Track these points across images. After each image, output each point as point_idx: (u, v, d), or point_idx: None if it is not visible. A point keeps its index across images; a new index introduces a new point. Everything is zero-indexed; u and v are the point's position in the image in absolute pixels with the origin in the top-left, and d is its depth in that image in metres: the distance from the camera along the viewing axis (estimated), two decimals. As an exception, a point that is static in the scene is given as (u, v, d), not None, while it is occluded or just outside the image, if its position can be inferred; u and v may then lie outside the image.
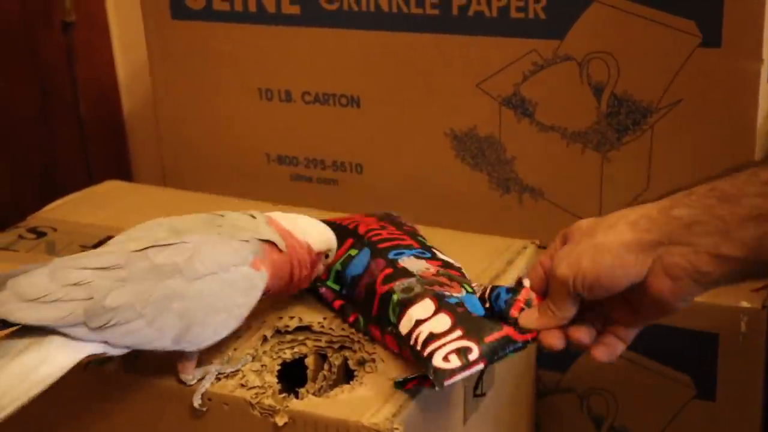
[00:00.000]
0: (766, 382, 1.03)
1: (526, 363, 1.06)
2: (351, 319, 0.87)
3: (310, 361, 0.85)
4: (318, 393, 0.81)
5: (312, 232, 0.86)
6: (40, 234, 1.08)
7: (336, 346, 0.85)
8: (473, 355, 0.74)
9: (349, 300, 0.88)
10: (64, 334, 0.73)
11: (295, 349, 0.85)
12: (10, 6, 1.45)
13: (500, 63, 1.08)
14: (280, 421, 0.77)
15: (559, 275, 0.73)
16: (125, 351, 0.77)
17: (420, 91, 1.14)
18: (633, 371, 1.07)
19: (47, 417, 0.86)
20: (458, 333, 0.76)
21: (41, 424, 0.87)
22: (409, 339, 0.78)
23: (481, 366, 0.74)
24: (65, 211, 1.15)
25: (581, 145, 1.07)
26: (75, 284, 0.74)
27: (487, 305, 0.80)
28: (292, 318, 0.88)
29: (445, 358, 0.74)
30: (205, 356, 0.82)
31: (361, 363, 0.83)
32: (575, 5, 1.03)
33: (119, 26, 1.59)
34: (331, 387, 0.82)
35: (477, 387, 0.89)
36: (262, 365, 0.82)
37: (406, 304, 0.80)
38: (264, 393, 0.79)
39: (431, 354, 0.75)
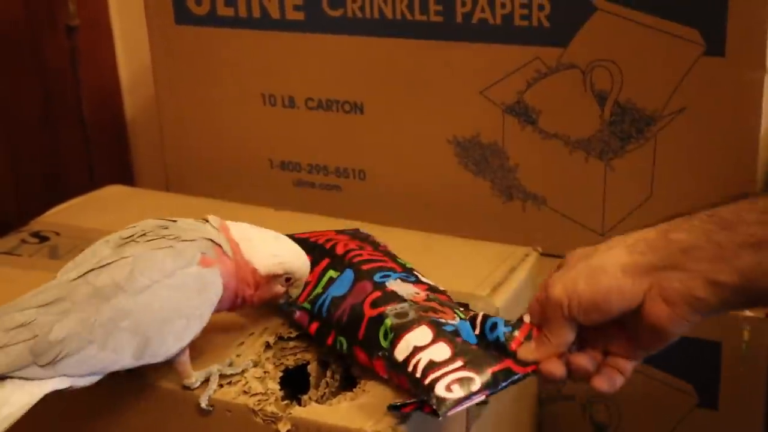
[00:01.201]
0: (769, 391, 1.03)
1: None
2: (329, 341, 0.83)
3: (312, 368, 0.85)
4: (320, 400, 0.81)
5: (261, 253, 0.81)
6: (43, 238, 1.08)
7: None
8: (475, 386, 0.73)
9: (327, 322, 0.84)
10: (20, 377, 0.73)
11: (298, 356, 0.85)
12: (14, 9, 1.45)
13: (504, 70, 1.09)
14: (283, 428, 0.77)
15: (553, 298, 0.71)
16: (91, 380, 0.76)
17: (423, 97, 1.14)
18: (635, 379, 1.05)
19: (51, 425, 0.86)
20: (459, 363, 0.74)
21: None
22: (407, 365, 0.76)
23: (482, 397, 0.73)
24: (68, 215, 1.15)
25: (584, 153, 1.08)
26: (18, 326, 0.73)
27: (477, 332, 0.78)
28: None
29: (448, 388, 0.72)
30: (206, 362, 0.82)
31: (364, 371, 0.82)
32: (579, 13, 1.03)
33: (122, 30, 1.59)
34: (334, 394, 0.82)
35: (479, 395, 0.89)
36: (264, 372, 0.82)
37: (401, 330, 0.78)
38: (267, 400, 0.79)
39: (433, 382, 0.73)
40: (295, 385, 0.83)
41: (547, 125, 1.08)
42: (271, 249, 0.82)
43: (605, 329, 0.73)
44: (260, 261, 0.81)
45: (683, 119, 1.02)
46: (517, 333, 0.76)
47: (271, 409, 0.78)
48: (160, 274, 0.76)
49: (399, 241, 0.96)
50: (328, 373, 0.84)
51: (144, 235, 0.79)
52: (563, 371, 0.73)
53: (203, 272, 0.78)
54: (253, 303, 0.83)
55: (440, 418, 0.72)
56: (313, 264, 0.87)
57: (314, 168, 1.23)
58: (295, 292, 0.84)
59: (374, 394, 0.79)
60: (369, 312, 0.81)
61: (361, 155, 1.20)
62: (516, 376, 0.74)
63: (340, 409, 0.77)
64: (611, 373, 0.74)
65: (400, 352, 0.77)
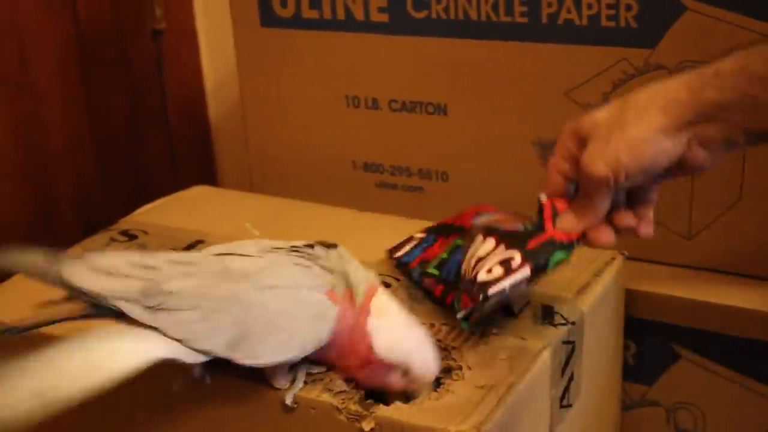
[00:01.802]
0: None
1: (612, 375, 1.05)
2: (449, 300, 0.88)
3: (396, 368, 0.85)
4: (404, 400, 0.80)
5: (386, 333, 0.77)
6: (131, 237, 1.10)
7: (422, 353, 0.85)
8: (516, 262, 0.77)
9: (450, 284, 0.88)
10: (123, 315, 0.74)
11: (381, 355, 0.85)
12: (102, 12, 1.47)
13: (590, 72, 1.07)
14: (367, 426, 0.77)
15: (598, 176, 0.73)
16: (200, 359, 0.76)
17: (507, 99, 1.13)
18: (721, 386, 1.05)
19: (133, 421, 0.87)
20: (501, 248, 0.79)
21: (128, 427, 0.88)
22: (465, 274, 0.82)
23: (526, 270, 0.78)
24: (155, 215, 1.17)
25: (672, 155, 1.06)
26: (142, 266, 0.77)
27: None
28: (378, 324, 0.88)
29: (489, 271, 0.78)
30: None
31: (448, 371, 0.82)
32: (667, 13, 1.02)
33: (207, 34, 1.61)
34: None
35: (563, 398, 0.88)
36: (348, 370, 0.82)
37: (465, 252, 0.85)
38: (351, 398, 0.79)
39: (476, 273, 0.79)
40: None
41: (634, 127, 1.07)
42: (398, 333, 0.78)
43: None
44: (380, 341, 0.77)
45: (775, 121, 1.00)
46: (544, 215, 0.80)
47: (355, 407, 0.78)
48: (287, 282, 0.77)
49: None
50: (412, 373, 0.84)
51: (292, 251, 0.81)
52: (612, 235, 0.77)
53: (325, 302, 0.77)
54: (358, 378, 0.79)
55: (482, 300, 0.77)
56: (446, 236, 0.93)
57: (397, 169, 1.23)
58: (415, 389, 0.78)
59: (459, 395, 0.78)
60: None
61: (444, 157, 1.19)
62: (560, 245, 0.78)
63: (424, 409, 0.77)
64: (648, 220, 0.78)
65: (464, 270, 0.83)
